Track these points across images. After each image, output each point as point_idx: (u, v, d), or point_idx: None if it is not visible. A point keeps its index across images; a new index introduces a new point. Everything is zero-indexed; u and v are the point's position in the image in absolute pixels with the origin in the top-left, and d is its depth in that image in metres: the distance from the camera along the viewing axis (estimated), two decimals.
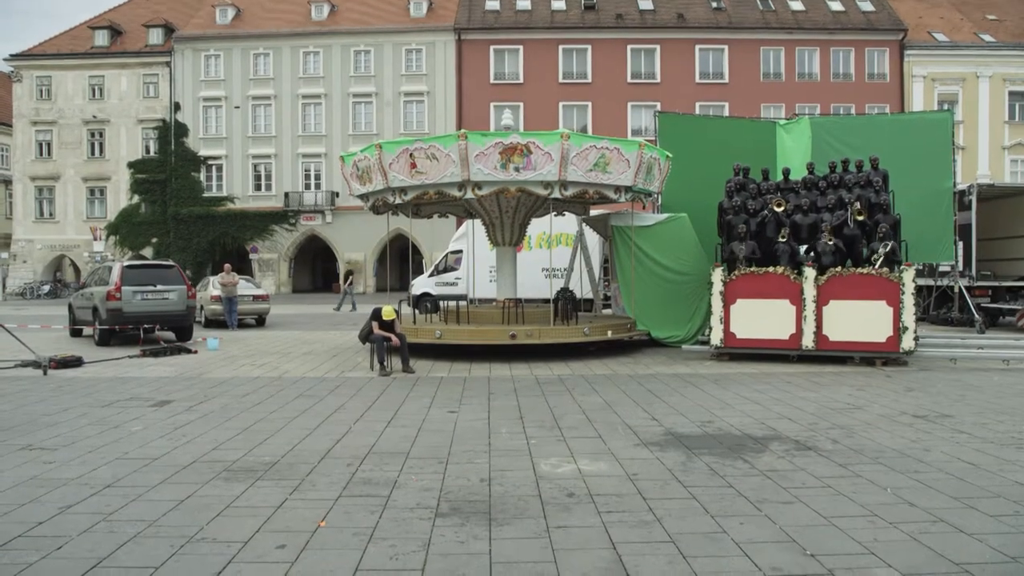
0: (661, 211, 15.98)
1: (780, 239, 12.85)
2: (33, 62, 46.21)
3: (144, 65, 45.72)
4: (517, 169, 12.45)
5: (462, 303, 16.47)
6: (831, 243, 12.48)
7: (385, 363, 11.53)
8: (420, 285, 23.66)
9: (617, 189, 13.49)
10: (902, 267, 12.06)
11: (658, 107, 34.60)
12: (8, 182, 50.15)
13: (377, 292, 42.96)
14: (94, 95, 46.02)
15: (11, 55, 46.60)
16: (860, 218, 12.62)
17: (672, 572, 4.03)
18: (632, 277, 14.64)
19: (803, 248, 12.94)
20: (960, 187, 17.98)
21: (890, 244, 12.14)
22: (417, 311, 19.49)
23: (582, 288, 17.20)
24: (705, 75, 43.40)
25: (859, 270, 12.07)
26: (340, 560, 4.19)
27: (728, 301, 12.61)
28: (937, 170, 16.13)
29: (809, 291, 12.09)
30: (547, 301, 15.08)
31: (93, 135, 46.19)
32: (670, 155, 14.64)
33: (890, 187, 13.61)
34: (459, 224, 26.32)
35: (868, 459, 6.26)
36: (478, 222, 16.46)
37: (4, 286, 41.98)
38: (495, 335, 13.20)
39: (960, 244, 17.59)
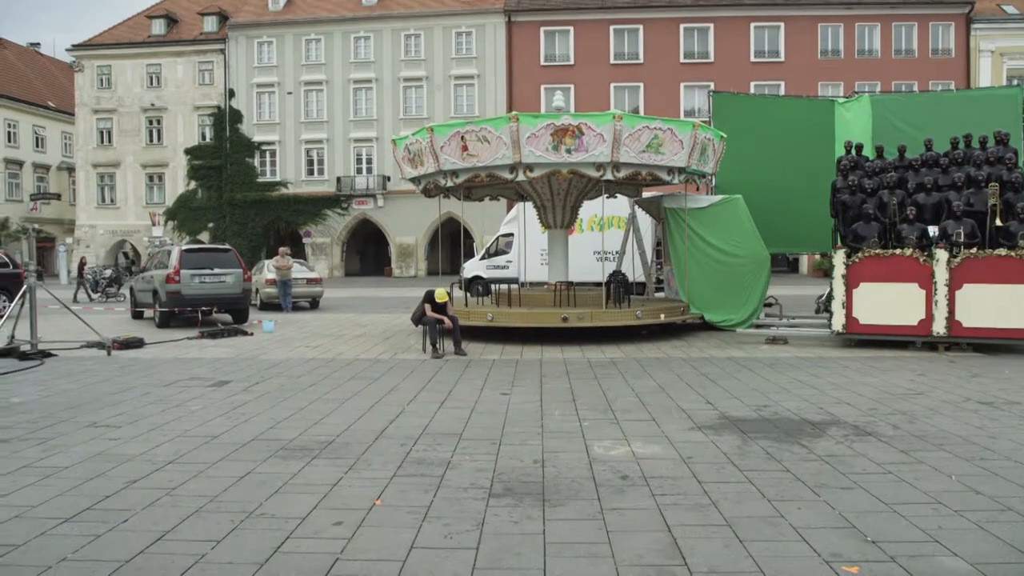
0: (715, 193, 15.76)
1: (903, 219, 12.18)
2: (93, 52, 47.49)
3: (199, 53, 46.64)
4: (569, 151, 12.42)
5: (513, 286, 16.59)
6: (966, 223, 11.70)
7: (437, 345, 11.60)
8: (471, 268, 23.84)
9: (670, 170, 13.37)
10: None
11: (712, 87, 34.01)
12: (72, 169, 51.85)
13: (428, 275, 43.37)
14: (151, 83, 47.12)
15: (73, 45, 47.98)
16: (993, 201, 11.86)
17: (728, 556, 3.98)
18: (685, 260, 14.51)
19: (930, 229, 12.21)
20: None
21: None
22: (469, 294, 19.43)
23: (634, 271, 17.15)
24: (760, 53, 42.51)
25: (997, 252, 11.35)
26: (396, 537, 4.24)
27: (851, 285, 12.03)
28: None
29: (941, 274, 11.43)
30: (599, 284, 15.14)
31: (151, 122, 47.37)
32: (724, 135, 14.46)
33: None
34: (510, 207, 26.56)
35: (931, 445, 6.09)
36: (529, 205, 16.56)
37: (70, 271, 43.34)
38: (547, 318, 13.21)
39: None
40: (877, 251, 11.96)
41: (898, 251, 11.84)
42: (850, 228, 12.62)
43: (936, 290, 11.49)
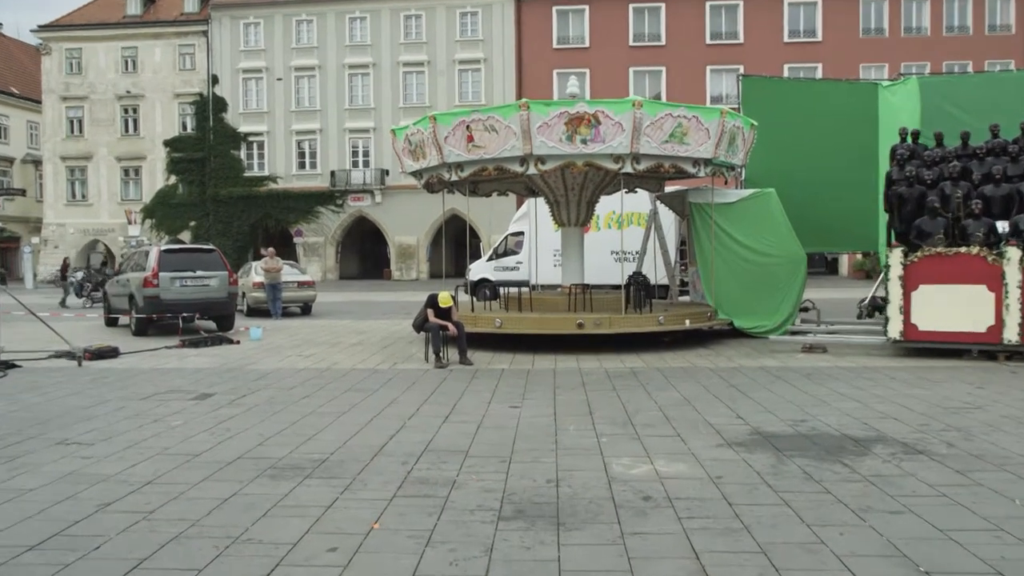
0: (745, 186, 15.79)
1: (968, 214, 11.94)
2: (62, 33, 47.67)
3: (179, 35, 46.91)
4: (584, 141, 12.46)
5: (524, 289, 16.69)
6: None
7: (441, 354, 11.66)
8: (478, 270, 24.02)
9: (696, 162, 13.41)
10: None
11: (741, 70, 33.96)
12: (38, 162, 51.78)
13: (431, 278, 43.36)
14: (127, 68, 47.38)
15: (39, 26, 48.12)
16: None
17: None
18: (712, 260, 14.53)
19: (999, 224, 11.96)
20: None
21: None
22: (475, 298, 19.72)
23: (656, 273, 17.19)
24: (795, 33, 42.45)
25: None
26: (396, 564, 4.22)
27: (908, 287, 11.78)
28: None
29: (1012, 275, 11.15)
30: (617, 287, 15.18)
31: (126, 111, 47.62)
32: (755, 123, 14.51)
33: None
34: (520, 203, 26.62)
35: (991, 466, 6.03)
36: (541, 201, 16.73)
37: (36, 274, 43.53)
38: (560, 324, 13.26)
39: None
40: (939, 250, 11.69)
41: (963, 249, 11.56)
42: (913, 224, 12.45)
43: (1007, 293, 11.18)
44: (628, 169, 12.81)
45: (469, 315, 13.89)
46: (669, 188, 17.14)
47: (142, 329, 16.36)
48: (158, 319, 16.54)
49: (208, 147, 46.19)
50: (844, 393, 9.13)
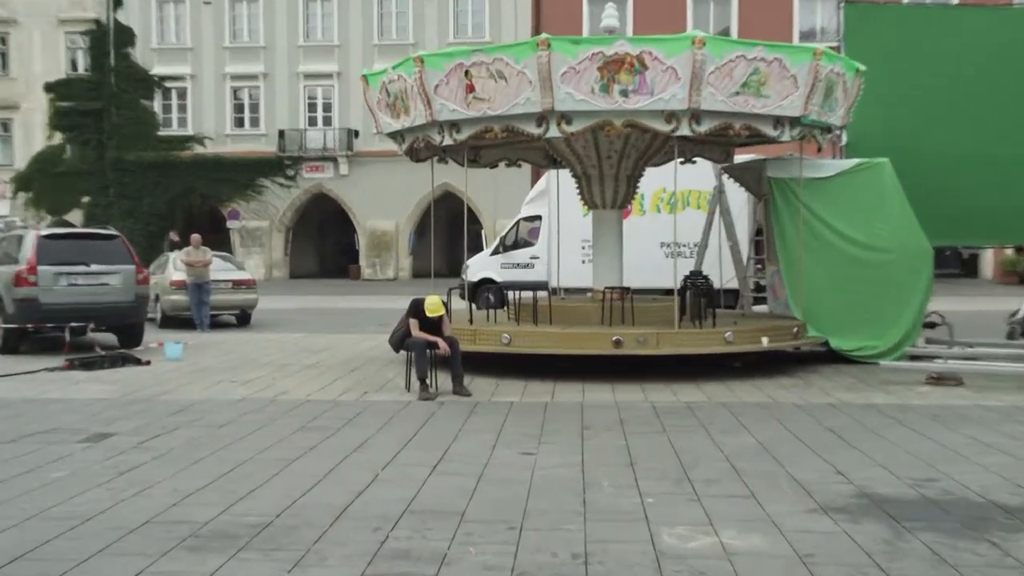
0: (846, 155, 15.78)
1: None
2: None
3: None
4: (625, 93, 12.39)
5: (542, 294, 16.68)
6: None
7: (428, 381, 11.66)
8: (479, 267, 24.23)
9: (778, 122, 13.39)
10: None
11: None
12: None
13: (415, 278, 43.50)
14: None
15: None
16: None
17: None
18: (800, 256, 14.42)
19: None
20: None
21: None
22: (475, 305, 19.91)
23: (721, 272, 17.17)
24: None
25: None
26: None
27: None
28: None
29: None
30: (669, 292, 15.11)
31: None
32: (862, 68, 14.36)
33: None
34: (537, 177, 26.70)
35: None
36: (565, 174, 16.55)
37: None
38: (591, 342, 13.24)
39: None
40: None
41: None
42: None
43: None
44: (685, 131, 12.76)
45: (467, 328, 13.91)
46: (740, 158, 17.03)
47: (13, 344, 16.26)
48: (36, 330, 16.40)
49: (108, 95, 46.17)
50: (989, 443, 8.99)
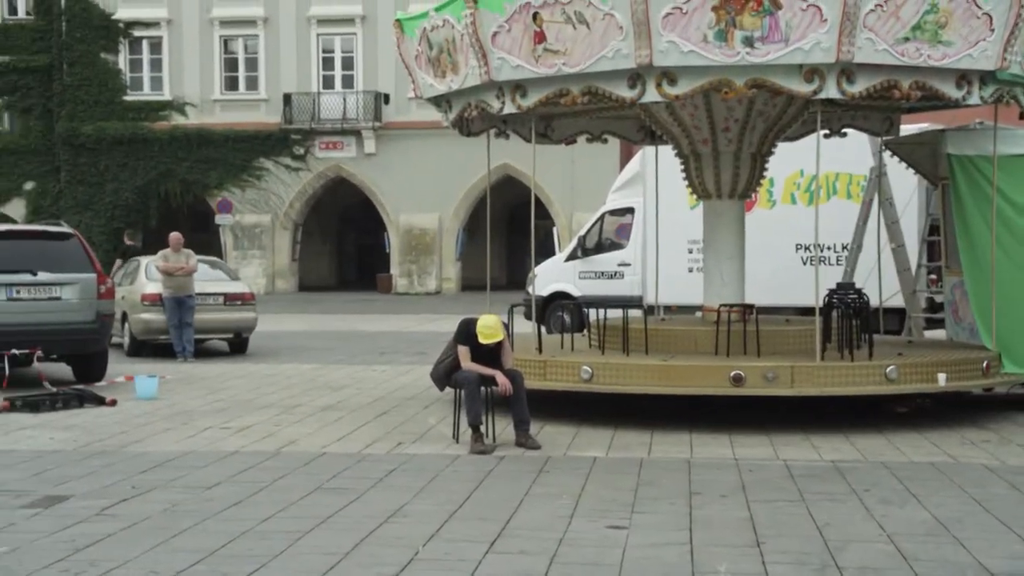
0: None
1: None
2: None
3: None
4: (749, 41, 11.37)
5: (634, 313, 15.71)
6: None
7: (483, 428, 11.08)
8: (550, 277, 23.41)
9: (963, 78, 12.11)
10: None
11: None
12: None
13: (465, 291, 41.77)
14: None
15: None
16: None
17: None
18: (993, 262, 13.21)
19: None
20: None
21: None
22: (545, 328, 18.88)
23: (881, 286, 16.09)
24: None
25: None
26: None
27: None
28: None
29: None
30: (809, 311, 14.63)
31: None
32: None
33: None
34: (628, 157, 26.61)
35: None
36: (666, 152, 15.89)
37: None
38: (702, 377, 12.49)
39: None
40: None
41: None
42: None
43: None
44: (832, 93, 11.65)
45: (535, 358, 13.04)
46: (908, 128, 16.22)
47: None
48: None
49: (58, 47, 43.60)
50: None
